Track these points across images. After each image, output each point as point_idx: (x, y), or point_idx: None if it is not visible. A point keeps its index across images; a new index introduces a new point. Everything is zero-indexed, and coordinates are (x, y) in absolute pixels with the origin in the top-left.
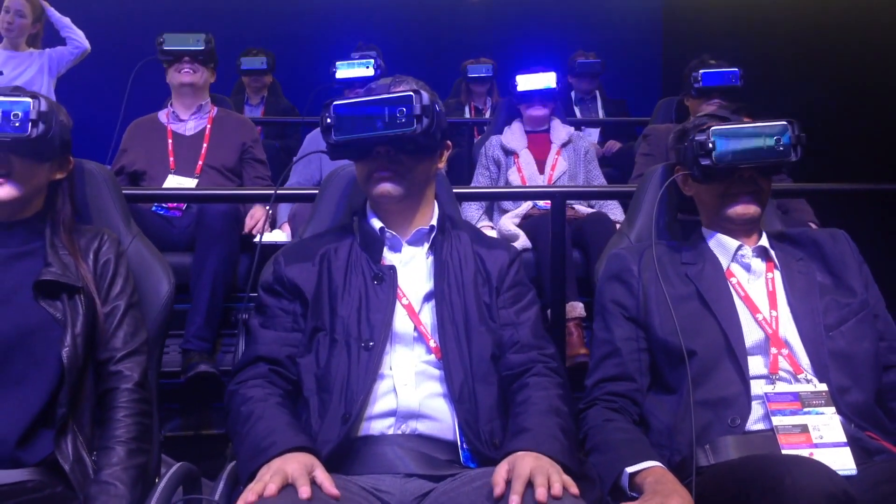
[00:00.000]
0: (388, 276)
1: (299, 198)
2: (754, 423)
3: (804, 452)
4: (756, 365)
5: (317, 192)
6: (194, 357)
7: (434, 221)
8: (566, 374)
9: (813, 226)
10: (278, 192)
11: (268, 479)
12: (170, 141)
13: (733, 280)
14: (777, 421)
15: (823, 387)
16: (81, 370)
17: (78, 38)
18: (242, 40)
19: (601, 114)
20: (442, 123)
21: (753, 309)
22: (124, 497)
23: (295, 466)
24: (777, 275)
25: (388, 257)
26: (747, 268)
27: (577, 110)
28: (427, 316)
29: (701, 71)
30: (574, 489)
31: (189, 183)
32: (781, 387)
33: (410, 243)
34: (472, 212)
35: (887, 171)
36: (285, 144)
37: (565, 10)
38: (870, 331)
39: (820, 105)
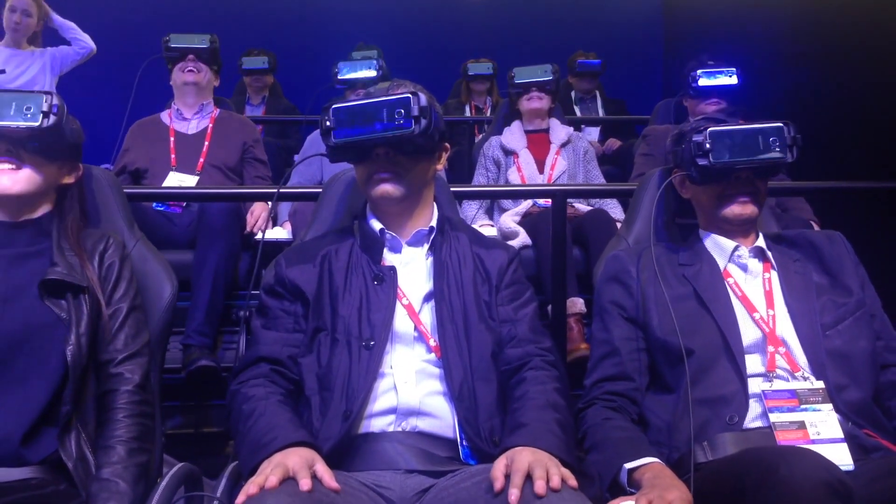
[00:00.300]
0: (388, 277)
1: (302, 196)
2: (752, 420)
3: None
4: (753, 363)
5: (318, 190)
6: (195, 352)
7: (433, 223)
8: (564, 367)
9: (813, 224)
10: (280, 190)
11: (269, 471)
12: (172, 139)
13: (730, 280)
14: (774, 418)
15: (820, 384)
16: (85, 369)
17: (84, 40)
18: (244, 42)
19: (601, 113)
20: (440, 125)
21: (750, 308)
22: (126, 494)
23: (296, 460)
24: (774, 275)
25: (389, 258)
26: (744, 268)
27: (577, 110)
28: (427, 315)
29: (699, 71)
30: (572, 481)
31: (190, 180)
32: (779, 384)
33: (410, 244)
34: (472, 210)
35: (886, 169)
36: (286, 144)
37: (565, 11)
38: (866, 330)
39: (819, 105)
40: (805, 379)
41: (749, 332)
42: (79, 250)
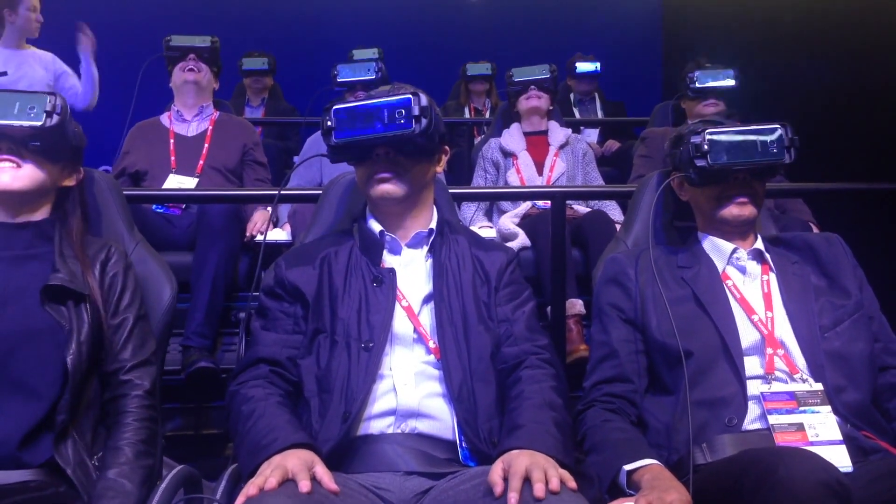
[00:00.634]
0: (387, 279)
1: (302, 198)
2: (751, 422)
3: None
4: (752, 365)
5: (318, 192)
6: (194, 354)
7: (433, 225)
8: (561, 365)
9: (811, 225)
10: (281, 192)
11: (268, 473)
12: (171, 141)
13: (729, 282)
14: (773, 420)
15: (819, 386)
16: (84, 378)
17: (88, 96)
18: (244, 44)
19: (600, 115)
20: (440, 126)
21: (749, 310)
22: (132, 494)
23: (295, 462)
24: (772, 277)
25: (388, 260)
26: (742, 270)
27: (576, 111)
28: (426, 317)
29: (697, 72)
30: (572, 483)
31: (189, 182)
32: (777, 386)
33: (410, 246)
34: (471, 211)
35: (885, 171)
36: (286, 146)
37: (564, 13)
38: (865, 332)
39: (818, 105)
40: (804, 381)
41: (748, 334)
42: (82, 256)
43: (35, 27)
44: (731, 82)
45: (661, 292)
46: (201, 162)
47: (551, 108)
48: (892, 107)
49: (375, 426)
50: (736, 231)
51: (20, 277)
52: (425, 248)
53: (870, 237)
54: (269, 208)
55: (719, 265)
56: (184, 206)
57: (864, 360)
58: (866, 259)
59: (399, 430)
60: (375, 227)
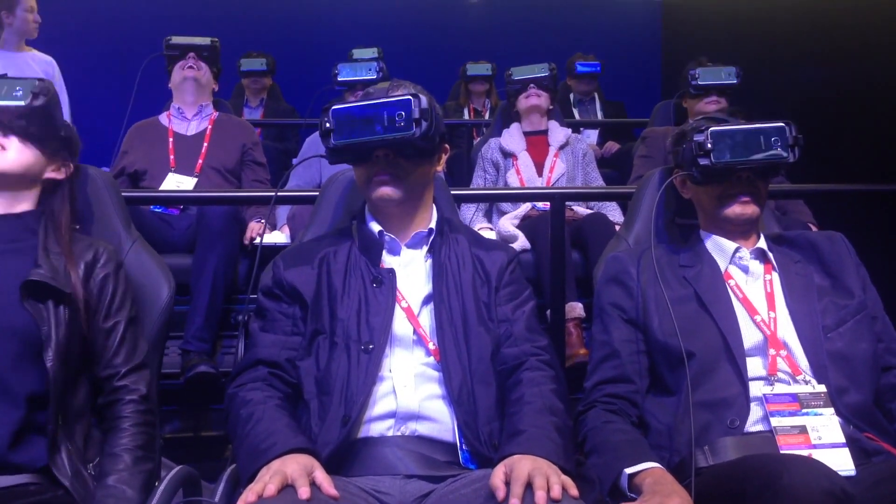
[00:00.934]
0: (387, 279)
1: (299, 199)
2: (753, 424)
3: (803, 453)
4: (755, 366)
5: (317, 193)
6: (194, 358)
7: (433, 224)
8: (560, 366)
9: (812, 227)
10: (279, 193)
11: (267, 479)
12: (170, 140)
13: (731, 282)
14: (776, 422)
15: (822, 388)
16: (69, 383)
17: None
18: (243, 44)
19: (600, 115)
20: (440, 127)
21: (752, 310)
22: (133, 500)
23: (294, 467)
24: (775, 276)
25: (387, 260)
26: (745, 270)
27: (575, 112)
28: (426, 318)
29: (699, 69)
30: (573, 490)
31: (188, 181)
32: (780, 388)
33: (409, 246)
34: (470, 212)
35: (886, 171)
36: (284, 147)
37: (565, 12)
38: (868, 332)
39: (819, 106)
40: (806, 382)
41: (750, 335)
42: (68, 252)
43: (33, 28)
44: (732, 80)
45: (663, 292)
46: (200, 161)
47: (551, 107)
48: (893, 107)
49: (375, 429)
50: (739, 230)
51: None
52: (425, 249)
53: (870, 238)
54: (264, 220)
55: (722, 264)
56: (182, 206)
57: (866, 361)
58: (866, 260)
59: (399, 433)
60: (374, 227)
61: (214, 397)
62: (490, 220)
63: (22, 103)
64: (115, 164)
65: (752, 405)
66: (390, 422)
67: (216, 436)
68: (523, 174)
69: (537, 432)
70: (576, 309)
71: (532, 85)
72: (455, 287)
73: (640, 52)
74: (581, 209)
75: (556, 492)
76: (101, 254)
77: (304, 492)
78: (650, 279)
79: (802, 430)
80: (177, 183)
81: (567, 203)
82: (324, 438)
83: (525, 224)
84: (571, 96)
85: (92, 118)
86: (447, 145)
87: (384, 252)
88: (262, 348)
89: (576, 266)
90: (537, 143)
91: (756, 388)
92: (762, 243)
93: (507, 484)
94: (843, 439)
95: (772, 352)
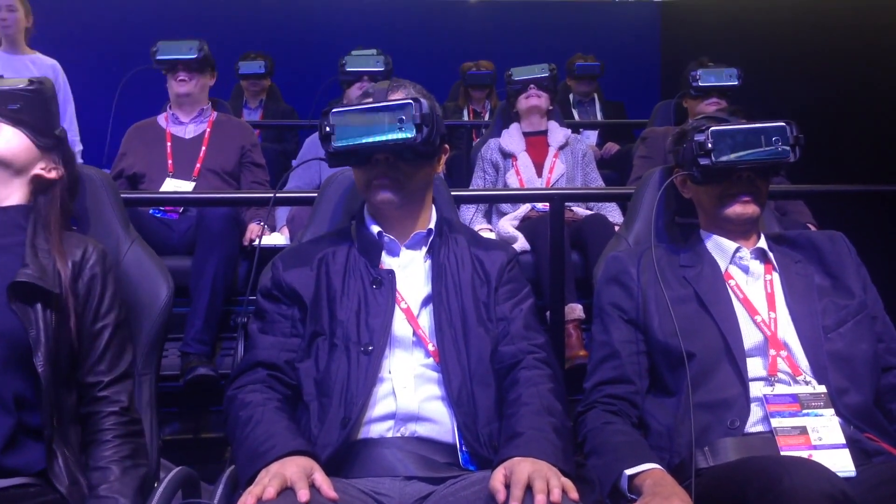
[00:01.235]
0: (386, 281)
1: (298, 201)
2: (753, 425)
3: (803, 454)
4: (755, 367)
5: (315, 195)
6: (193, 360)
7: (432, 225)
8: (558, 365)
9: (811, 227)
10: (277, 195)
11: (266, 482)
12: (168, 144)
13: (731, 282)
14: (776, 423)
15: (822, 389)
16: (61, 387)
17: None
18: (242, 44)
19: (599, 116)
20: (441, 129)
21: (752, 311)
22: None
23: (293, 470)
24: (775, 277)
25: (387, 261)
26: (745, 270)
27: (575, 113)
28: (425, 319)
29: (700, 70)
30: (573, 493)
31: (186, 186)
32: (780, 389)
33: (408, 247)
34: (469, 213)
35: (885, 172)
36: (284, 148)
37: (564, 13)
38: (868, 332)
39: (818, 107)
40: (807, 383)
41: (750, 335)
42: (59, 249)
43: (3, 25)
44: (734, 81)
45: (663, 292)
46: (198, 165)
47: (551, 107)
48: (893, 107)
49: (375, 430)
50: (739, 230)
51: None
52: (424, 249)
53: (870, 238)
54: (263, 222)
55: (722, 264)
56: (181, 209)
57: (867, 362)
58: (866, 260)
59: (399, 434)
60: (374, 228)
61: (214, 399)
62: (490, 221)
63: (17, 86)
64: (114, 165)
65: (753, 406)
66: (390, 423)
67: (215, 438)
68: (523, 175)
69: (535, 434)
70: (575, 310)
71: (532, 85)
72: (454, 288)
73: (640, 53)
74: (581, 210)
75: (556, 495)
76: (90, 253)
77: (303, 494)
78: (650, 279)
79: (803, 430)
80: (175, 188)
81: (567, 204)
82: (323, 440)
83: (524, 225)
84: (571, 97)
85: (87, 120)
86: (447, 146)
87: (383, 253)
88: (262, 350)
89: (575, 267)
90: (537, 144)
91: (756, 389)
92: (762, 243)
93: (507, 486)
94: (843, 440)
95: (772, 352)
